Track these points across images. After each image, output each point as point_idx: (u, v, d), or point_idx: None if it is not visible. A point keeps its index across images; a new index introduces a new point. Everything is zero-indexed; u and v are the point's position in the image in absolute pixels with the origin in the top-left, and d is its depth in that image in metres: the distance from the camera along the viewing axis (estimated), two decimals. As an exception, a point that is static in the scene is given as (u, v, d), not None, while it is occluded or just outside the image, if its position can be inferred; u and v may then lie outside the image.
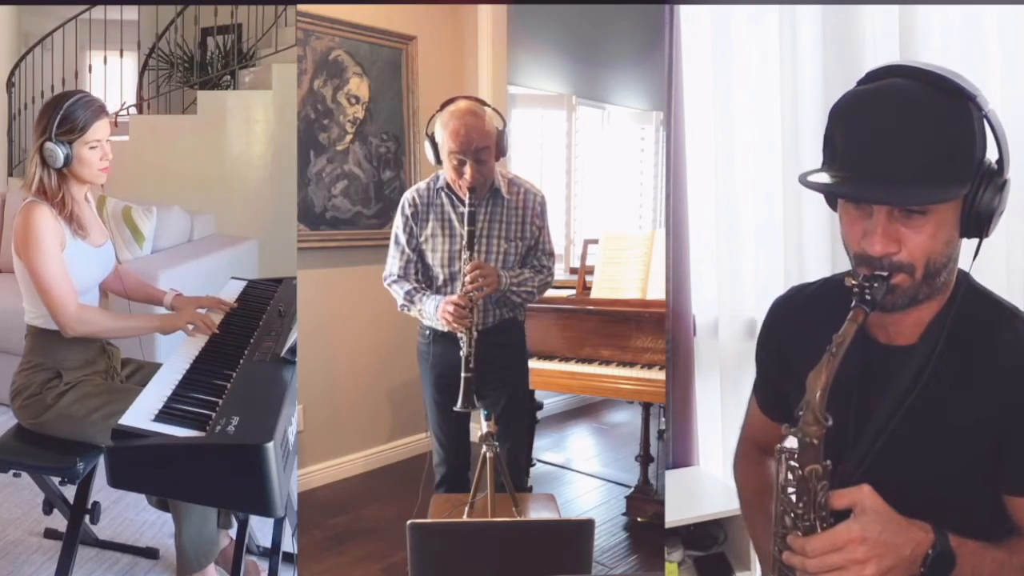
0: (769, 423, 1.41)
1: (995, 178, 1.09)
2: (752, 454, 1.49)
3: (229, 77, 5.01)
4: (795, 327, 1.31)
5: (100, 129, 2.06)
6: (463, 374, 2.24)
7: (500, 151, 2.33)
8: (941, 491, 1.15)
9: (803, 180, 1.14)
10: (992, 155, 1.11)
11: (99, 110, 2.08)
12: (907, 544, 1.07)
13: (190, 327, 2.18)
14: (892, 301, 1.12)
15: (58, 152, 2.01)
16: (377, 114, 3.70)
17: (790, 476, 1.11)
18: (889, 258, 1.09)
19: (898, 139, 1.06)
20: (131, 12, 5.06)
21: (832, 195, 1.17)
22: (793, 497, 1.12)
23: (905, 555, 1.07)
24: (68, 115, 2.02)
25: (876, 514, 1.08)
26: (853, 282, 1.10)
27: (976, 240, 1.14)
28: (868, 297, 1.08)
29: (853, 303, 1.09)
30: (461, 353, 2.25)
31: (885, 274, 1.09)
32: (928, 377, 1.15)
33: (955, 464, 1.16)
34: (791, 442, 1.12)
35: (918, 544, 1.07)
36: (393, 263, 2.45)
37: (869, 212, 1.10)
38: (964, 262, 1.20)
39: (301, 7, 3.42)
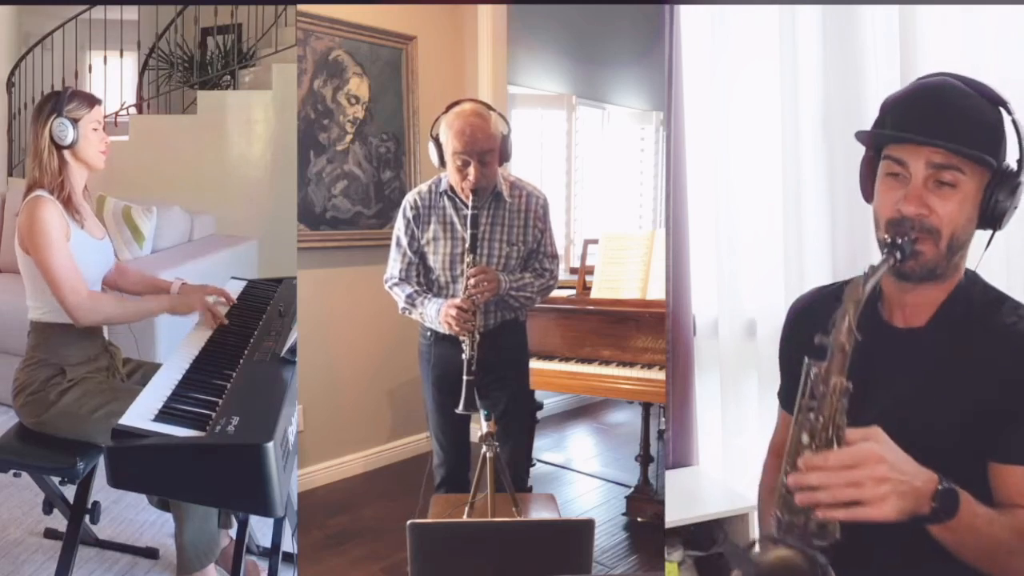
0: None
1: (1013, 177, 1.25)
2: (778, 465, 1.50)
3: (229, 77, 5.01)
4: (816, 327, 1.30)
5: (99, 112, 2.18)
6: (465, 377, 2.24)
7: (504, 155, 2.32)
8: (934, 456, 1.18)
9: (859, 135, 1.32)
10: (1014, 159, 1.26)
11: (94, 99, 2.19)
12: (919, 476, 1.11)
13: (200, 314, 2.21)
14: (913, 267, 1.25)
15: (68, 127, 2.09)
16: (377, 114, 3.70)
17: (814, 391, 1.16)
18: (921, 219, 1.23)
19: (939, 111, 1.23)
20: (131, 12, 5.05)
21: (874, 136, 1.31)
22: (812, 414, 1.16)
23: (918, 487, 1.11)
24: (74, 95, 2.14)
25: (891, 446, 1.12)
26: (886, 237, 1.24)
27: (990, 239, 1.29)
28: (900, 245, 1.22)
29: (885, 253, 1.23)
30: (463, 356, 2.24)
31: (914, 236, 1.23)
32: (933, 354, 1.28)
33: (951, 430, 1.24)
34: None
35: (928, 479, 1.12)
36: (394, 266, 2.45)
37: (906, 182, 1.24)
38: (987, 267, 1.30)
39: (301, 7, 3.41)
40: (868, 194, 1.34)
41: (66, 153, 2.11)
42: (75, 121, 2.10)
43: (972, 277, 1.33)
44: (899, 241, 1.22)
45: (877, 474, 1.08)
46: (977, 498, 1.19)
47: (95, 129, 2.15)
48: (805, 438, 1.16)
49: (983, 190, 1.24)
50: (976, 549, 1.17)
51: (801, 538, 1.14)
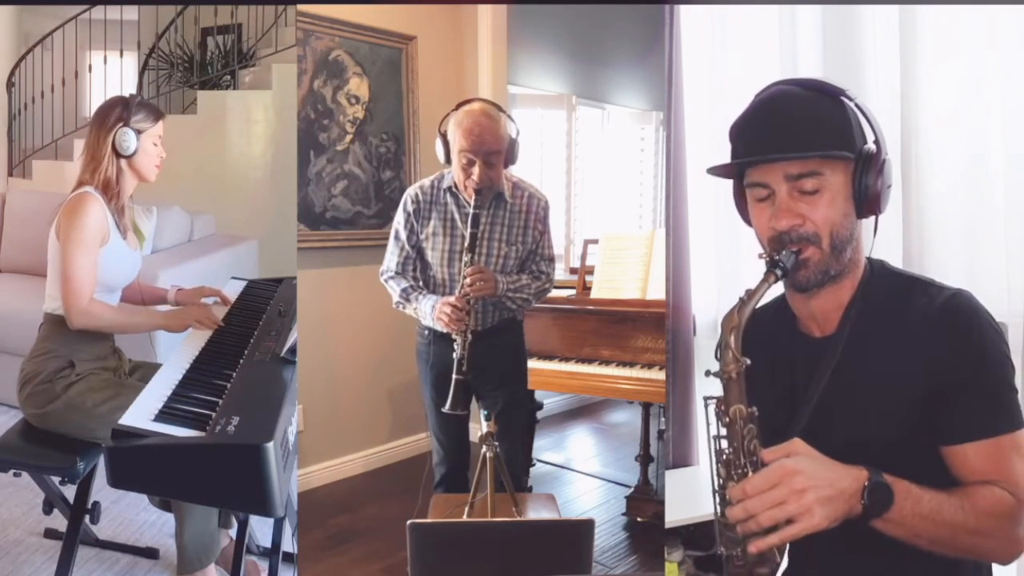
0: None
1: (875, 158, 1.23)
2: None
3: (229, 77, 5.01)
4: (756, 345, 1.30)
5: (161, 127, 2.20)
6: (454, 376, 2.24)
7: (510, 158, 2.32)
8: (875, 455, 1.17)
9: (710, 169, 1.32)
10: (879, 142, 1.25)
11: (159, 113, 2.21)
12: (844, 477, 1.10)
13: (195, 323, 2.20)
14: (806, 276, 1.25)
15: (132, 138, 2.10)
16: (377, 114, 3.70)
17: (719, 424, 1.19)
18: (796, 230, 1.23)
19: (779, 122, 1.24)
20: (131, 12, 5.05)
21: (736, 166, 1.30)
22: (724, 444, 1.18)
23: (844, 488, 1.10)
24: (142, 106, 2.15)
25: (809, 455, 1.13)
26: (765, 256, 1.24)
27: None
28: (779, 263, 1.22)
29: (765, 271, 1.22)
30: (454, 355, 2.25)
31: (795, 249, 1.23)
32: (850, 347, 1.27)
33: (886, 426, 1.23)
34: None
35: (854, 478, 1.11)
36: (391, 259, 2.45)
37: (772, 199, 1.25)
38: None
39: (301, 7, 3.42)
40: (748, 220, 1.34)
41: (123, 162, 2.13)
42: (139, 132, 2.12)
43: (877, 268, 1.32)
44: (776, 258, 1.22)
45: (796, 487, 1.07)
46: (935, 487, 1.16)
47: (155, 144, 2.17)
48: (723, 471, 1.18)
49: (851, 181, 1.24)
50: (931, 536, 1.14)
51: (743, 568, 1.15)
